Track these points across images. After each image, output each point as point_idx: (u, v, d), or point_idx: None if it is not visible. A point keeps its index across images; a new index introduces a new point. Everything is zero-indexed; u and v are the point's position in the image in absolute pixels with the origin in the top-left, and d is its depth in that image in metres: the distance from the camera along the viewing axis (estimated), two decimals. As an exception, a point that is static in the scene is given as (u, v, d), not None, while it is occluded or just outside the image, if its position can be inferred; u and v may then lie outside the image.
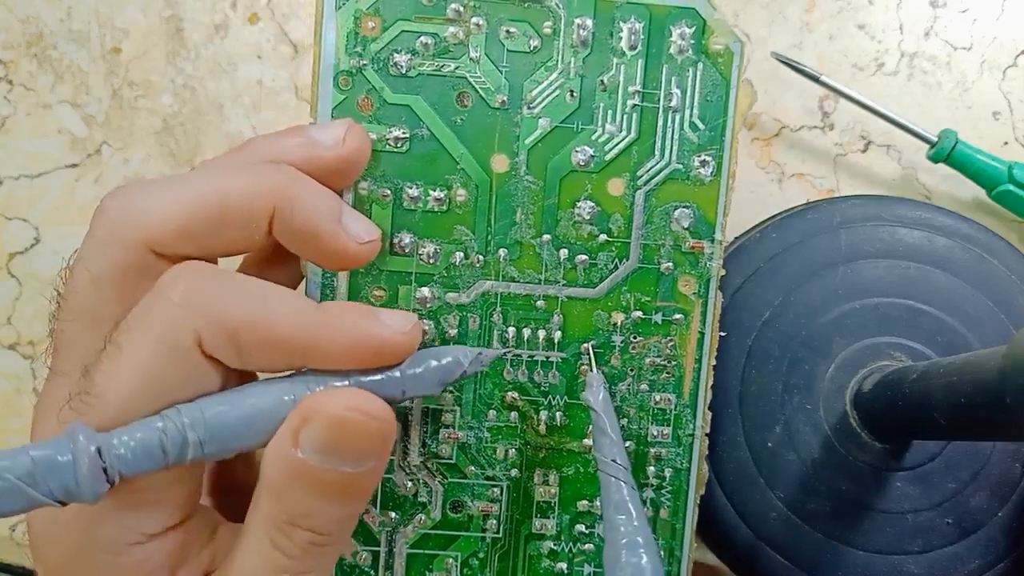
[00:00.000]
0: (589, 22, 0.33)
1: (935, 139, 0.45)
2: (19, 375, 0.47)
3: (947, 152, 0.45)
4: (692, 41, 0.34)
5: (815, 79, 0.45)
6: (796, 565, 0.41)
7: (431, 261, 0.34)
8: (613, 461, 0.31)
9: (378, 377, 0.29)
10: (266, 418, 0.27)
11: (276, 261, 0.34)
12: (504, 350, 0.34)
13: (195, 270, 0.28)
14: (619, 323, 0.35)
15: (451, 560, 0.36)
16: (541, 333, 0.35)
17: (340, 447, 0.27)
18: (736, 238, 0.44)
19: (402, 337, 0.29)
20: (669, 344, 0.35)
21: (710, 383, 0.35)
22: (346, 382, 0.29)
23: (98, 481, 0.25)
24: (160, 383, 0.27)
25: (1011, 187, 0.45)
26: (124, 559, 0.28)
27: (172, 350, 0.27)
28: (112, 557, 0.28)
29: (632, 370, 0.35)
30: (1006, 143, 0.48)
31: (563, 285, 0.34)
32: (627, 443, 0.35)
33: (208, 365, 0.27)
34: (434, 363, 0.30)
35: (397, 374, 0.30)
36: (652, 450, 0.35)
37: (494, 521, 0.36)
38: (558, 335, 0.35)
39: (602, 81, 0.34)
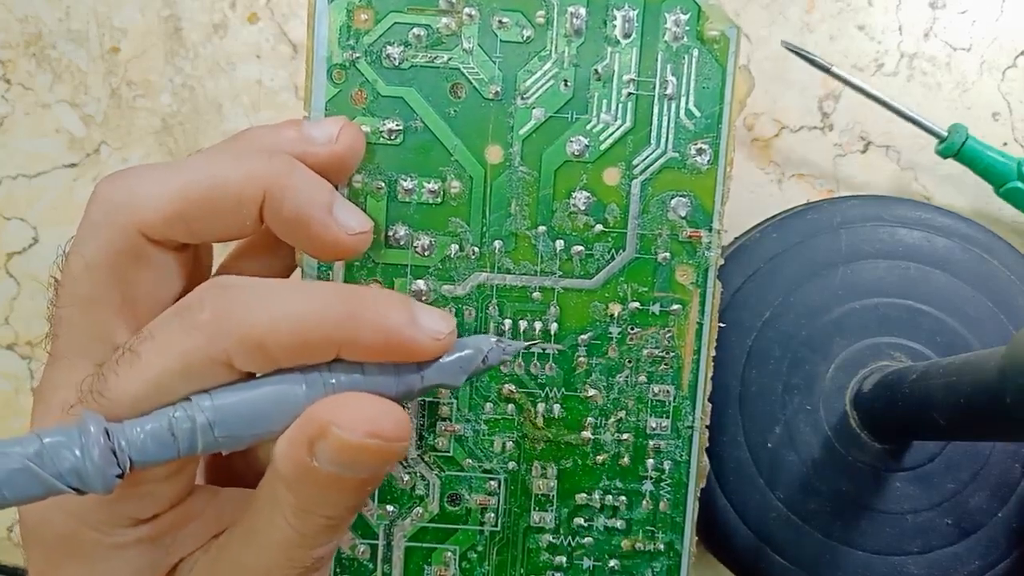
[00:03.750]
0: (582, 11, 0.33)
1: (945, 134, 0.45)
2: (17, 375, 0.47)
3: (957, 147, 0.45)
4: (687, 28, 0.33)
5: (826, 70, 0.45)
6: (796, 565, 0.41)
7: (426, 253, 0.34)
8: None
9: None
10: (277, 406, 0.27)
11: (270, 248, 0.34)
12: (529, 343, 0.34)
13: (222, 289, 0.27)
14: (616, 314, 0.35)
15: (449, 553, 0.36)
16: (537, 325, 0.35)
17: (357, 465, 0.27)
18: (736, 238, 0.44)
19: (435, 344, 0.28)
20: (667, 335, 0.35)
21: (710, 374, 0.35)
22: (361, 371, 0.28)
23: (110, 465, 0.25)
24: (177, 394, 0.27)
25: (1020, 184, 0.45)
26: (118, 538, 0.29)
27: (195, 369, 0.26)
28: (104, 536, 0.29)
29: (630, 361, 0.35)
30: (1005, 144, 0.48)
31: (559, 276, 0.34)
32: (625, 435, 0.35)
33: (231, 376, 0.27)
34: (457, 353, 0.30)
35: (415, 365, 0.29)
36: (651, 442, 0.35)
37: (492, 514, 0.35)
38: (554, 327, 0.35)
39: (596, 70, 0.34)
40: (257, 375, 0.28)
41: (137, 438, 0.26)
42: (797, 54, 0.45)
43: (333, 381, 0.27)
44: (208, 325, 0.26)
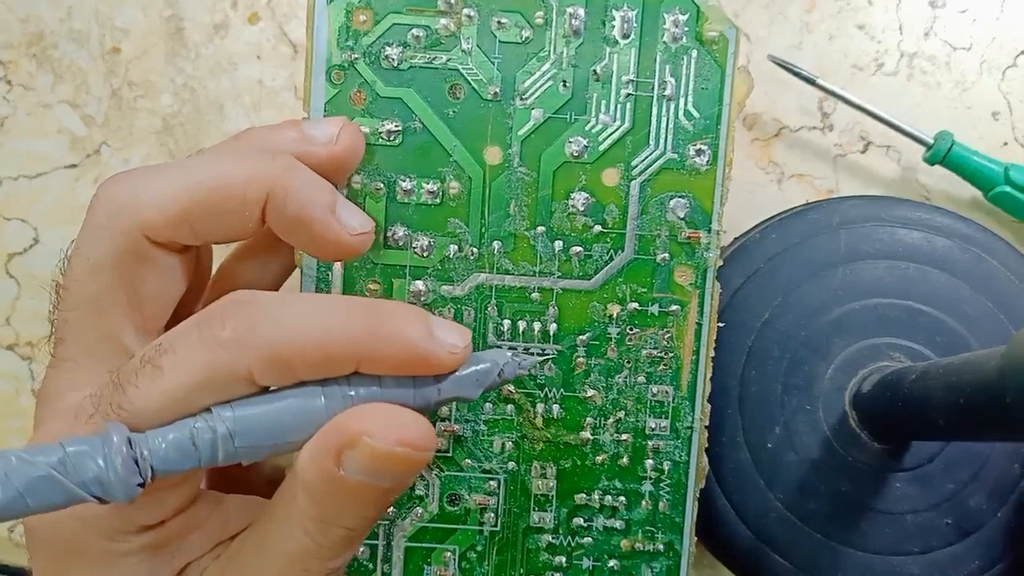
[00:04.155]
0: (581, 11, 0.33)
1: (931, 141, 0.45)
2: (18, 376, 0.47)
3: (943, 154, 0.45)
4: (686, 28, 0.33)
5: (811, 82, 0.45)
6: (795, 566, 0.41)
7: (425, 254, 0.34)
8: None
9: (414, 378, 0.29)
10: (297, 417, 0.27)
11: (269, 249, 0.34)
12: (543, 357, 0.34)
13: (242, 305, 0.27)
14: (615, 315, 0.35)
15: (449, 553, 0.36)
16: (536, 326, 0.35)
17: (386, 473, 0.27)
18: (736, 238, 0.44)
19: (451, 358, 0.28)
20: (666, 336, 0.35)
21: (709, 375, 0.35)
22: (379, 384, 0.28)
23: (132, 474, 0.25)
24: (197, 407, 0.27)
25: (1008, 188, 0.45)
26: (123, 544, 0.29)
27: (216, 383, 0.26)
28: (110, 543, 0.29)
29: (629, 362, 0.35)
30: (1005, 143, 0.47)
31: (558, 277, 0.34)
32: (624, 436, 0.35)
33: (250, 390, 0.27)
34: (473, 367, 0.29)
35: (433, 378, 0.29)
36: (650, 443, 0.35)
37: (492, 514, 0.36)
38: (553, 328, 0.35)
39: (595, 71, 0.34)
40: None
41: (159, 448, 0.26)
42: (783, 67, 0.45)
43: (352, 393, 0.28)
44: (230, 342, 0.26)
